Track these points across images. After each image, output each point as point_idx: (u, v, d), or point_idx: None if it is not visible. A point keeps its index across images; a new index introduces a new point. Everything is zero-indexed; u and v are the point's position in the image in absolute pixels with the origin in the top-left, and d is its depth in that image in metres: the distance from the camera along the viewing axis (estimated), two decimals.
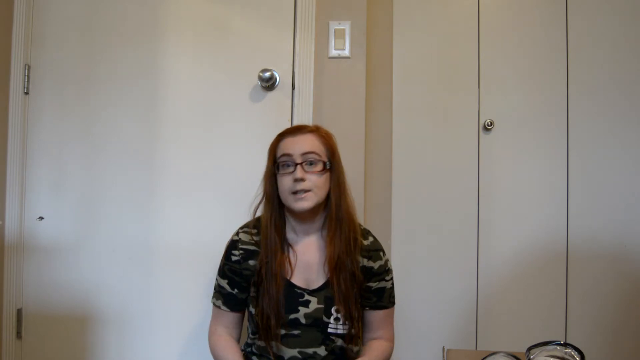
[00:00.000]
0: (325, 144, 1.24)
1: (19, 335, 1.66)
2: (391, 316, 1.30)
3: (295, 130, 1.26)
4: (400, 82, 1.90)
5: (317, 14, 1.65)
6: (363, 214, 1.72)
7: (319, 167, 1.20)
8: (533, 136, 1.85)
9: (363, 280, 1.24)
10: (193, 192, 1.64)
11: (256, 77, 1.61)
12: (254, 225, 1.28)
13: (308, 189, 1.18)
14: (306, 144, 1.21)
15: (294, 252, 1.25)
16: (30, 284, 1.66)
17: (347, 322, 1.20)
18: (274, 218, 1.23)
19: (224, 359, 1.22)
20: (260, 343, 1.23)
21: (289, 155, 1.20)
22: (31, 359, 1.66)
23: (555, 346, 1.00)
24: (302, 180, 1.17)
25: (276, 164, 1.22)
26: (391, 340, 1.30)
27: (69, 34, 1.69)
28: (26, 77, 1.67)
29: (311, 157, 1.20)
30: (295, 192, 1.18)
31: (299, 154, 1.20)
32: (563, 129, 1.84)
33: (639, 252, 1.79)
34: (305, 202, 1.18)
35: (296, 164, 1.19)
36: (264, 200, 1.26)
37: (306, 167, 1.19)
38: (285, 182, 1.19)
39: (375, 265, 1.26)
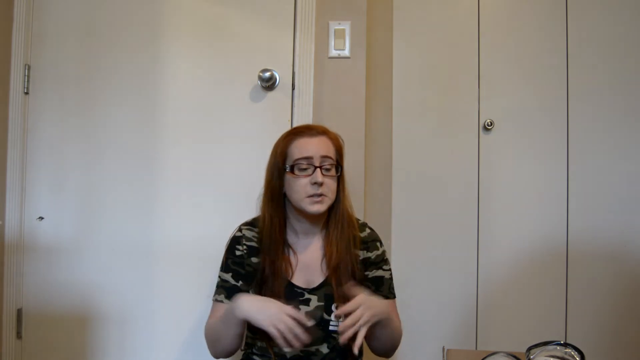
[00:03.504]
0: (336, 146, 1.25)
1: (19, 335, 1.66)
2: (394, 307, 1.29)
3: (308, 131, 1.25)
4: (400, 82, 1.90)
5: (317, 14, 1.65)
6: (363, 214, 1.72)
7: (334, 171, 1.21)
8: (533, 136, 1.85)
9: (362, 272, 1.25)
10: (193, 191, 1.64)
11: (256, 77, 1.61)
12: (256, 223, 1.28)
13: (325, 193, 1.18)
14: (324, 147, 1.21)
15: (294, 253, 1.25)
16: (30, 284, 1.66)
17: None
18: (278, 218, 1.23)
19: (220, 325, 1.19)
20: (261, 343, 1.23)
21: (308, 157, 1.19)
22: (31, 359, 1.66)
23: (555, 346, 1.00)
24: (322, 184, 1.17)
25: (292, 166, 1.20)
26: (399, 327, 1.26)
27: (69, 34, 1.69)
28: (26, 77, 1.67)
29: (328, 161, 1.20)
30: (311, 195, 1.18)
31: (319, 157, 1.19)
32: (563, 128, 1.84)
33: (639, 252, 1.79)
34: (321, 206, 1.18)
35: (315, 167, 1.19)
36: (266, 198, 1.26)
37: (324, 172, 1.19)
38: (302, 185, 1.18)
39: (372, 255, 1.27)
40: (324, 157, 1.20)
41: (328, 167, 1.20)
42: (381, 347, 1.24)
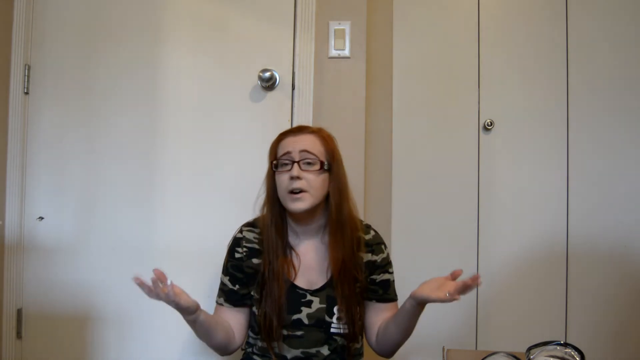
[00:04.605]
0: (325, 145, 1.23)
1: (19, 335, 1.66)
2: (397, 309, 1.29)
3: (297, 130, 1.26)
4: (400, 82, 1.90)
5: (317, 14, 1.65)
6: (363, 215, 1.72)
7: (317, 167, 1.20)
8: (533, 136, 1.85)
9: (367, 275, 1.24)
10: (193, 191, 1.64)
11: (256, 77, 1.61)
12: (257, 224, 1.28)
13: (304, 189, 1.17)
14: (305, 143, 1.21)
15: (297, 254, 1.25)
16: (30, 284, 1.66)
17: (348, 324, 1.21)
18: (275, 219, 1.23)
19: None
20: (262, 344, 1.23)
21: (288, 153, 1.20)
22: (31, 359, 1.66)
23: (555, 346, 1.00)
24: (298, 178, 1.17)
25: (275, 162, 1.22)
26: None
27: (69, 34, 1.69)
28: (26, 77, 1.67)
29: (309, 156, 1.19)
30: (291, 192, 1.17)
31: (297, 152, 1.19)
32: (563, 128, 1.84)
33: (639, 252, 1.79)
34: (301, 203, 1.17)
35: (293, 162, 1.18)
36: (265, 199, 1.26)
37: (303, 166, 1.18)
38: (283, 180, 1.19)
39: (379, 258, 1.26)
40: (304, 151, 1.19)
41: (309, 161, 1.19)
42: (399, 338, 1.21)
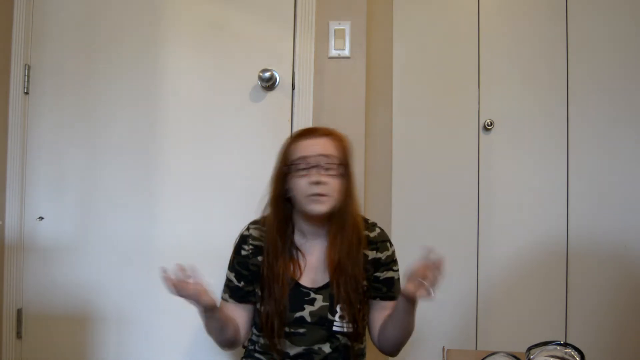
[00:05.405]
0: (339, 147, 1.22)
1: (19, 335, 1.66)
2: None
3: (310, 133, 1.25)
4: (400, 82, 1.90)
5: (317, 14, 1.65)
6: (363, 214, 1.72)
7: (335, 171, 1.19)
8: (533, 136, 1.85)
9: (372, 272, 1.25)
10: (194, 191, 1.64)
11: (256, 77, 1.61)
12: (264, 222, 1.27)
13: (325, 193, 1.16)
14: (323, 146, 1.19)
15: (302, 254, 1.25)
16: (30, 284, 1.66)
17: (350, 323, 1.21)
18: (279, 221, 1.23)
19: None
20: (265, 341, 1.23)
21: (305, 157, 1.18)
22: (31, 359, 1.66)
23: (555, 346, 1.00)
24: (319, 183, 1.16)
25: (289, 165, 1.20)
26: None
27: (69, 34, 1.69)
28: (26, 77, 1.67)
29: (328, 160, 1.18)
30: (311, 195, 1.16)
31: (315, 156, 1.18)
32: (563, 128, 1.84)
33: (639, 252, 1.79)
34: (322, 206, 1.17)
35: (312, 167, 1.17)
36: (270, 201, 1.25)
37: (323, 171, 1.17)
38: (301, 185, 1.17)
39: (383, 255, 1.26)
40: (322, 155, 1.18)
41: (327, 166, 1.18)
42: (398, 336, 1.21)
